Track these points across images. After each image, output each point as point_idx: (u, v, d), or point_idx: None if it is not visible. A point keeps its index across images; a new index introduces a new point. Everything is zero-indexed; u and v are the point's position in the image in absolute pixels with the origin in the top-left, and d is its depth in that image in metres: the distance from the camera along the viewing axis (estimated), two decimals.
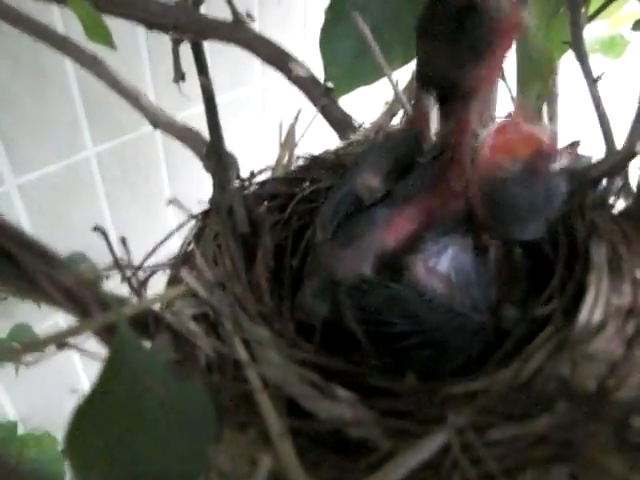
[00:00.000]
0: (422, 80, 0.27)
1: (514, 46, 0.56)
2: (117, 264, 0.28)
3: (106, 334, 0.22)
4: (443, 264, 0.26)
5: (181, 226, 0.32)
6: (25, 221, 0.76)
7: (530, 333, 0.27)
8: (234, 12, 0.51)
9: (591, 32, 0.93)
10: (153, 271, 0.29)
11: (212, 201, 0.47)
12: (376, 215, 0.28)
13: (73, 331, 0.21)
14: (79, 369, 0.91)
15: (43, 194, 0.77)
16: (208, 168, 0.53)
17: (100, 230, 0.29)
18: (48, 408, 0.85)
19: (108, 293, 0.23)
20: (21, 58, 0.66)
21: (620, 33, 1.16)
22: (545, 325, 0.26)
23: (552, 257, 0.30)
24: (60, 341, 0.21)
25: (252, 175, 0.36)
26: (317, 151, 0.41)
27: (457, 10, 0.24)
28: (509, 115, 0.28)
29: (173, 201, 0.29)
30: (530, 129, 0.27)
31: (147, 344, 0.27)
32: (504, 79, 0.74)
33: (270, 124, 1.07)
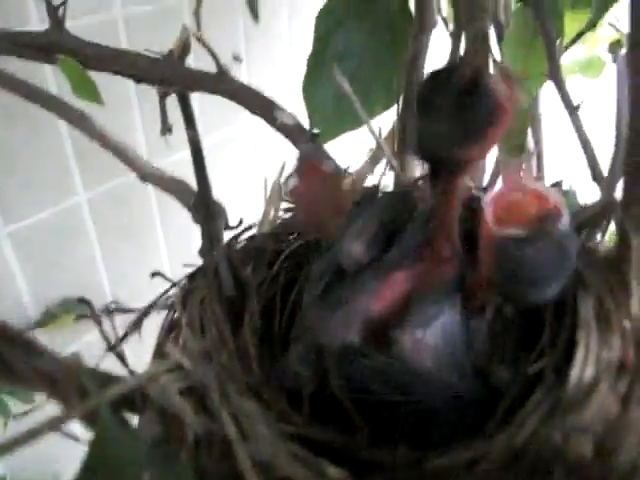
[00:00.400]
0: (418, 151, 0.27)
1: None
2: (102, 334, 0.28)
3: (90, 419, 0.22)
4: (431, 334, 0.26)
5: (165, 294, 0.32)
6: (16, 269, 0.75)
7: (522, 393, 0.26)
8: (218, 64, 0.52)
9: (569, 55, 0.94)
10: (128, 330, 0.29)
11: (200, 254, 0.47)
12: (363, 281, 0.28)
13: (55, 421, 0.21)
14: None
15: (34, 241, 0.76)
16: (196, 219, 0.53)
17: (85, 301, 0.29)
18: (38, 463, 0.84)
19: (91, 376, 0.23)
20: (9, 106, 0.67)
21: (597, 54, 1.18)
22: (537, 383, 0.26)
23: (540, 308, 0.30)
24: (42, 431, 0.20)
25: (238, 234, 0.36)
26: None
27: (459, 85, 0.24)
28: (509, 174, 0.28)
29: (157, 274, 0.29)
30: (534, 187, 0.26)
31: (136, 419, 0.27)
32: None
33: (261, 162, 1.08)
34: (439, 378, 0.25)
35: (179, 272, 0.97)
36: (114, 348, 0.27)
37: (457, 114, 0.24)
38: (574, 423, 0.22)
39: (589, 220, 0.31)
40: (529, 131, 0.95)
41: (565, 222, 0.25)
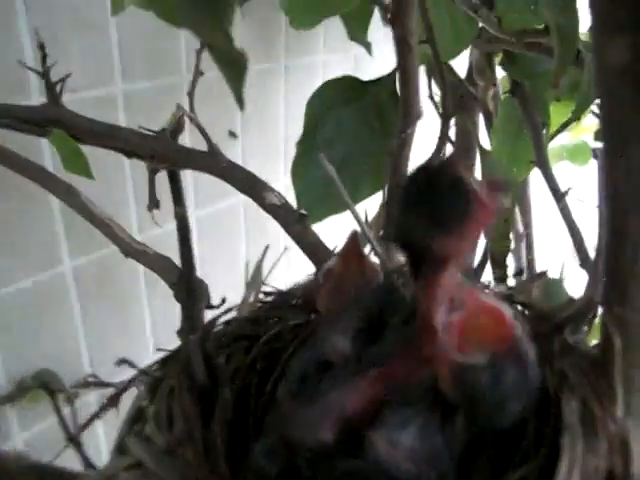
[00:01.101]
0: (398, 242, 0.27)
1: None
2: (63, 425, 0.27)
3: None
4: (407, 437, 0.25)
5: (130, 382, 0.31)
6: None
7: None
8: (209, 143, 0.53)
9: (556, 141, 0.97)
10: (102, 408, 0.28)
11: (179, 335, 0.46)
12: (341, 378, 0.27)
13: None
14: None
15: (14, 309, 0.75)
16: (178, 298, 0.52)
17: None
18: None
19: (38, 473, 0.21)
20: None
21: (584, 141, 1.21)
22: None
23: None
24: None
25: (216, 318, 0.35)
26: (289, 282, 0.41)
27: (441, 182, 0.25)
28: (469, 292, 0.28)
29: (123, 361, 0.28)
30: (491, 308, 0.27)
31: None
32: None
33: (249, 239, 1.08)
34: None
35: (162, 346, 0.95)
36: (73, 439, 0.26)
37: (438, 209, 0.25)
38: None
39: (572, 316, 0.30)
40: (518, 216, 0.96)
41: (524, 345, 0.26)
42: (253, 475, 0.27)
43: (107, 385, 0.74)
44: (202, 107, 0.64)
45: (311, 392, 0.27)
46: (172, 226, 0.84)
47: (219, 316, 0.35)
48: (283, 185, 1.11)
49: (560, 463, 0.25)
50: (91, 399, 0.89)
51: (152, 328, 0.95)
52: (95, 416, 0.29)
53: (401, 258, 0.40)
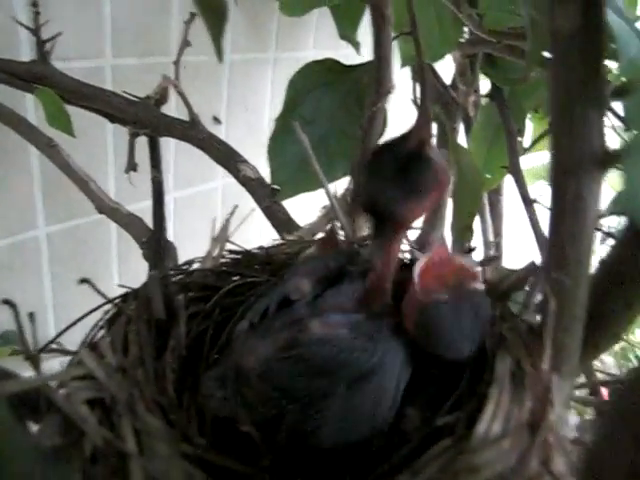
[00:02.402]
0: (364, 206, 0.30)
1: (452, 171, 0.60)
2: (22, 342, 0.28)
3: None
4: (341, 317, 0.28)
5: (95, 309, 0.32)
6: None
7: (430, 442, 0.26)
8: (191, 113, 0.54)
9: (537, 160, 0.99)
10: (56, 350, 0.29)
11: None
12: (298, 314, 0.29)
13: None
14: None
15: None
16: (146, 257, 0.53)
17: (9, 303, 0.28)
18: None
19: None
20: None
21: None
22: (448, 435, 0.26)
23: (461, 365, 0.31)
24: None
25: (178, 266, 0.36)
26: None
27: (406, 154, 0.28)
28: (440, 247, 0.31)
29: (85, 281, 0.29)
30: (457, 259, 0.30)
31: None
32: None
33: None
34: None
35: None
36: (32, 356, 0.27)
37: (401, 176, 0.28)
38: (467, 466, 0.22)
39: (514, 284, 0.32)
40: (490, 223, 0.98)
41: (479, 287, 0.29)
42: (201, 397, 0.28)
43: (69, 353, 0.75)
44: (188, 91, 0.65)
45: (267, 326, 0.29)
46: (148, 202, 0.86)
47: (182, 264, 0.37)
48: (266, 173, 1.13)
49: (485, 410, 0.26)
50: (54, 366, 0.89)
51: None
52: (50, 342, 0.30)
53: (365, 229, 0.42)
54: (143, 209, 0.83)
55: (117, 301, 0.32)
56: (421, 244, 0.93)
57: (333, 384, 0.26)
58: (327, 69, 0.54)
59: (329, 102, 0.54)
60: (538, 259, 0.32)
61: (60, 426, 0.25)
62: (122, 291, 0.35)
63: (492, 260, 0.39)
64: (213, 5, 0.28)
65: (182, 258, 0.62)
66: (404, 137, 0.29)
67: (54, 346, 0.87)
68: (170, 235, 0.56)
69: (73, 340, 0.33)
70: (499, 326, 0.31)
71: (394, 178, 0.28)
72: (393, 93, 0.37)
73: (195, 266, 0.39)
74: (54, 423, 0.25)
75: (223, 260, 0.40)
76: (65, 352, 0.75)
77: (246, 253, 0.41)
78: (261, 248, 0.41)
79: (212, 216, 1.05)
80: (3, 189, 0.73)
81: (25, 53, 0.67)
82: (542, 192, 0.79)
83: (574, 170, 0.24)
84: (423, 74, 0.34)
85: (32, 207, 0.77)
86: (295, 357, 0.26)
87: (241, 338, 0.30)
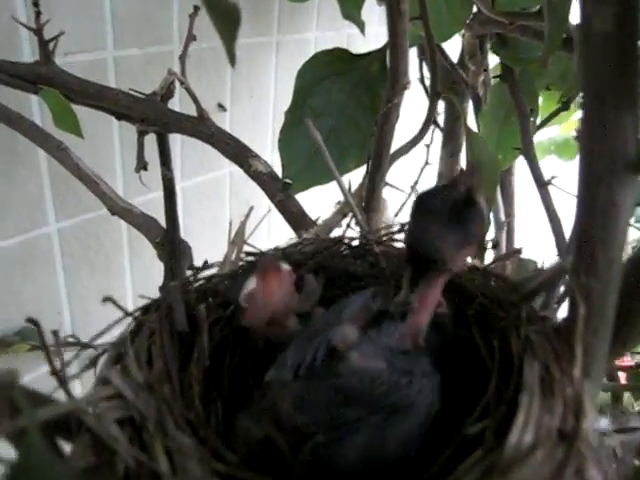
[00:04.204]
0: (409, 249, 0.31)
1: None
2: (48, 357, 0.28)
3: (18, 439, 0.22)
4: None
5: (116, 323, 0.31)
6: None
7: (460, 451, 0.26)
8: (198, 108, 0.53)
9: (546, 134, 0.98)
10: (82, 369, 0.29)
11: (160, 291, 0.46)
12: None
13: None
14: None
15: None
16: (161, 257, 0.53)
17: (33, 322, 0.28)
18: None
19: (26, 395, 0.22)
20: None
21: (573, 135, 1.22)
22: (476, 443, 0.26)
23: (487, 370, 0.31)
24: None
25: (197, 271, 0.36)
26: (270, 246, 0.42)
27: (458, 200, 0.29)
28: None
29: (108, 299, 0.29)
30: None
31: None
32: None
33: (236, 209, 1.09)
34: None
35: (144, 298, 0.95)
36: (58, 373, 0.27)
37: (452, 223, 0.29)
38: None
39: (540, 286, 0.31)
40: (501, 204, 0.97)
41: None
42: (238, 437, 0.28)
43: (86, 346, 0.75)
44: (192, 80, 0.64)
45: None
46: (156, 194, 0.85)
47: (201, 269, 0.36)
48: (269, 159, 1.12)
49: (516, 419, 0.26)
50: (69, 359, 0.89)
51: (133, 291, 0.96)
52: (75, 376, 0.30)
53: (380, 227, 0.41)
54: (150, 202, 0.84)
55: (138, 314, 0.32)
56: None
57: (366, 415, 0.26)
58: (335, 59, 0.53)
59: (339, 93, 0.53)
60: (565, 259, 0.31)
61: (92, 446, 0.25)
62: (129, 296, 0.35)
63: (514, 253, 0.38)
64: (226, 10, 0.27)
65: (192, 248, 0.62)
66: (453, 183, 0.29)
67: (71, 339, 0.87)
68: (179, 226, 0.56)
69: (89, 332, 0.33)
70: (525, 329, 0.31)
71: (444, 224, 0.29)
72: (409, 89, 0.36)
73: (213, 270, 0.38)
74: (86, 443, 0.25)
75: (240, 263, 0.40)
76: (82, 345, 0.75)
77: (262, 254, 0.40)
78: (277, 249, 0.41)
79: (221, 205, 1.06)
80: (13, 187, 0.73)
81: (27, 53, 0.66)
82: (555, 172, 0.78)
83: (606, 175, 0.24)
84: (435, 68, 0.33)
85: (42, 204, 0.77)
86: (332, 386, 0.26)
87: (279, 387, 0.29)
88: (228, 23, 0.27)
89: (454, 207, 0.28)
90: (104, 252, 0.88)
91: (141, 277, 0.95)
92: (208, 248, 1.04)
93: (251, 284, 0.32)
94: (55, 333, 0.29)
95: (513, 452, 0.24)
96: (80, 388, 0.86)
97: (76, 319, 0.87)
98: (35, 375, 0.84)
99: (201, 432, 0.26)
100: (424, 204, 0.29)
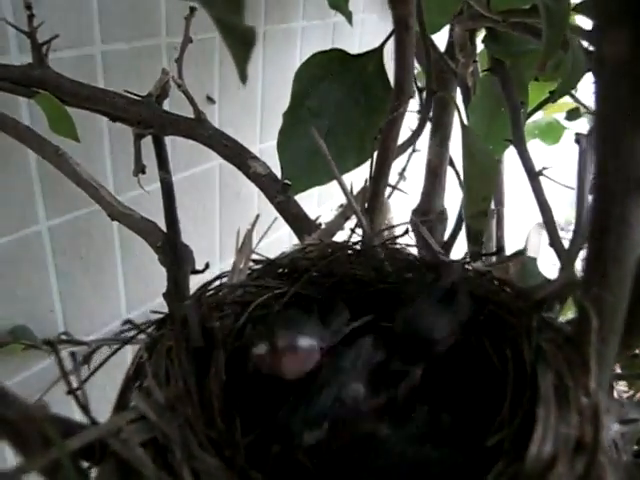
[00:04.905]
0: (405, 334, 0.34)
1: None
2: (65, 377, 0.28)
3: (51, 472, 0.22)
4: None
5: (132, 338, 0.32)
6: None
7: (480, 462, 0.27)
8: (196, 110, 0.53)
9: (530, 118, 0.99)
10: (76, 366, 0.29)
11: (165, 298, 0.47)
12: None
13: (16, 472, 0.20)
14: None
15: None
16: (163, 263, 0.53)
17: (50, 344, 0.28)
18: None
19: (54, 425, 0.23)
20: None
21: (556, 119, 1.23)
22: (494, 454, 0.27)
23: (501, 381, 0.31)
24: None
25: (208, 283, 0.36)
26: (274, 246, 0.42)
27: (447, 291, 0.34)
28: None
29: (127, 322, 0.29)
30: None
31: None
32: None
33: (224, 203, 1.09)
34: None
35: (135, 306, 0.95)
36: (75, 392, 0.27)
37: (441, 313, 0.33)
38: None
39: (551, 295, 0.32)
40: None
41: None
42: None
43: (80, 343, 0.75)
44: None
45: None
46: (148, 191, 0.85)
47: (211, 281, 0.36)
48: (258, 150, 1.11)
49: (535, 431, 0.27)
50: (63, 356, 0.89)
51: (125, 288, 0.95)
52: (84, 361, 0.30)
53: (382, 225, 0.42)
54: (143, 198, 0.83)
55: (151, 329, 0.32)
56: (422, 213, 0.93)
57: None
58: (332, 59, 0.53)
59: (336, 93, 0.53)
60: (576, 269, 0.32)
61: (117, 470, 0.25)
62: (130, 310, 0.35)
63: (517, 255, 0.39)
64: (241, 32, 0.27)
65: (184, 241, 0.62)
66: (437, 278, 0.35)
67: (64, 337, 0.87)
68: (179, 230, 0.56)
69: (83, 329, 0.33)
70: (536, 337, 0.32)
71: (437, 312, 0.33)
72: (413, 97, 0.36)
73: (222, 281, 0.39)
74: (112, 468, 0.25)
75: (248, 272, 0.40)
76: (76, 342, 0.75)
77: (270, 262, 0.41)
78: (284, 256, 0.41)
79: (210, 197, 1.06)
80: (1, 185, 0.72)
81: (14, 54, 0.65)
82: (540, 156, 0.79)
83: (620, 194, 0.24)
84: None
85: (32, 202, 0.77)
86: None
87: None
88: (242, 45, 0.26)
89: (443, 298, 0.33)
90: (96, 249, 0.88)
91: (133, 272, 0.95)
92: (198, 242, 1.04)
93: (260, 349, 0.32)
94: (73, 354, 0.29)
95: (534, 463, 0.25)
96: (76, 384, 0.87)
97: (69, 317, 0.87)
98: (28, 373, 0.84)
99: (225, 451, 0.26)
100: (411, 297, 0.35)
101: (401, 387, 0.33)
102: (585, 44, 0.61)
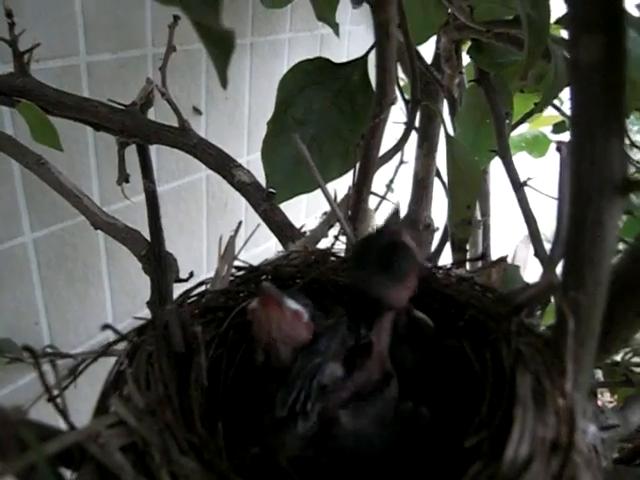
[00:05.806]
0: (357, 292, 0.35)
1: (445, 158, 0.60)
2: (43, 382, 0.28)
3: (27, 476, 0.22)
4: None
5: (113, 344, 0.31)
6: None
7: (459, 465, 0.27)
8: (180, 118, 0.53)
9: (516, 131, 1.00)
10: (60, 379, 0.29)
11: (149, 306, 0.46)
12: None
13: None
14: None
15: None
16: (147, 271, 0.53)
17: (30, 350, 0.28)
18: None
19: (29, 428, 0.22)
20: None
21: (543, 132, 1.24)
22: (471, 455, 0.27)
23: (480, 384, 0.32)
24: None
25: (190, 289, 0.36)
26: (263, 256, 0.42)
27: (385, 245, 0.33)
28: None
29: (107, 326, 0.29)
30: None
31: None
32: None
33: (211, 213, 1.09)
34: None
35: (121, 318, 0.95)
36: (54, 399, 0.27)
37: (384, 265, 0.33)
38: None
39: (529, 300, 0.32)
40: (477, 203, 0.99)
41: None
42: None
43: (66, 356, 0.74)
44: (167, 83, 0.64)
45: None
46: (134, 201, 0.84)
47: (193, 288, 0.36)
48: (245, 161, 1.12)
49: (512, 432, 0.27)
50: (47, 370, 0.88)
51: (111, 300, 0.95)
52: (70, 374, 0.30)
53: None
54: (124, 208, 0.83)
55: (132, 335, 0.32)
56: (409, 222, 0.94)
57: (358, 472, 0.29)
58: (317, 68, 0.53)
59: (320, 101, 0.53)
60: (550, 270, 0.32)
61: (96, 475, 0.25)
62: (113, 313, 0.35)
63: (499, 262, 0.39)
64: (220, 36, 0.27)
65: (170, 251, 0.62)
66: (380, 231, 0.34)
67: (49, 350, 0.86)
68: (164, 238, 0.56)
69: (68, 342, 0.33)
70: (515, 341, 0.32)
71: (378, 267, 0.33)
72: (395, 104, 0.37)
73: (205, 287, 0.39)
74: (91, 472, 0.25)
75: (231, 278, 0.40)
76: (61, 355, 0.74)
77: (253, 269, 0.41)
78: (267, 262, 0.41)
79: (197, 208, 1.06)
80: None
81: None
82: (527, 168, 0.79)
83: (594, 196, 0.24)
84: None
85: (16, 214, 0.76)
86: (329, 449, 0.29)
87: (275, 426, 0.31)
88: (222, 49, 0.26)
89: (384, 251, 0.33)
90: (81, 260, 0.88)
91: (120, 284, 0.95)
92: (185, 252, 1.03)
93: (254, 303, 0.32)
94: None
95: (511, 464, 0.25)
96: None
97: (54, 329, 0.86)
98: (14, 387, 0.83)
99: (205, 455, 0.26)
100: (358, 254, 0.35)
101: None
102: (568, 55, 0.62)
